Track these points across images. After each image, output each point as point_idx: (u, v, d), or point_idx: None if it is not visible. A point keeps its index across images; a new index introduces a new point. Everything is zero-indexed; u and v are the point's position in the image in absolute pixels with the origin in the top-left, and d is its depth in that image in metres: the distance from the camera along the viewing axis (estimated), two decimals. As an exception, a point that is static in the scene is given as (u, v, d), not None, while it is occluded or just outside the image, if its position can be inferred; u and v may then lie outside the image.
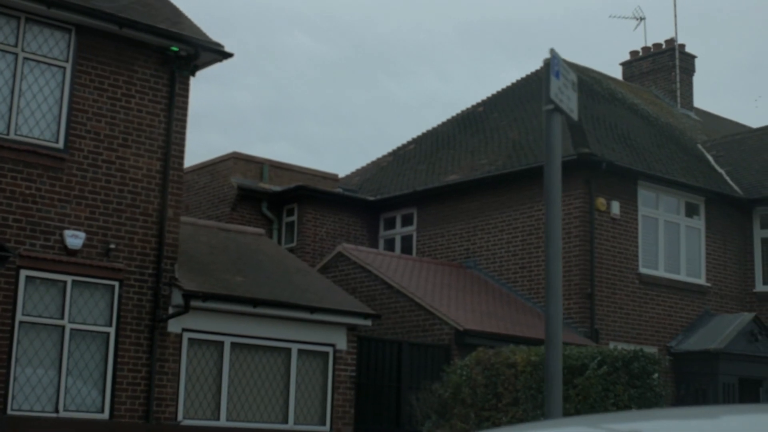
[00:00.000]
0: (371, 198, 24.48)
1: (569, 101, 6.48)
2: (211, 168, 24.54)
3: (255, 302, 16.05)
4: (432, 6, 66.55)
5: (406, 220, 24.18)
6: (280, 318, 16.52)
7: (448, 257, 22.84)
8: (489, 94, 26.97)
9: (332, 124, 69.14)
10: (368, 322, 17.34)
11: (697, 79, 44.48)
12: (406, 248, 23.89)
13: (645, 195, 21.73)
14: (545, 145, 6.35)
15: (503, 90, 26.53)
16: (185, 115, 16.15)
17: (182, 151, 16.10)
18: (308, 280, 17.98)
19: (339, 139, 64.64)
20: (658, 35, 29.30)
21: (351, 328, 17.35)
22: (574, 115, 6.58)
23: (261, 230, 20.40)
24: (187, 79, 16.27)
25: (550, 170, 6.32)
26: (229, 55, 16.40)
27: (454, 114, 27.09)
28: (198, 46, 15.94)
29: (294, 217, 23.83)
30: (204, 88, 62.41)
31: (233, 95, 63.48)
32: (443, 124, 26.73)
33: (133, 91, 15.66)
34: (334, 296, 17.54)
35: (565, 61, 24.71)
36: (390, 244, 24.37)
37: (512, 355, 14.88)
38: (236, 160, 24.07)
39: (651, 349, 21.06)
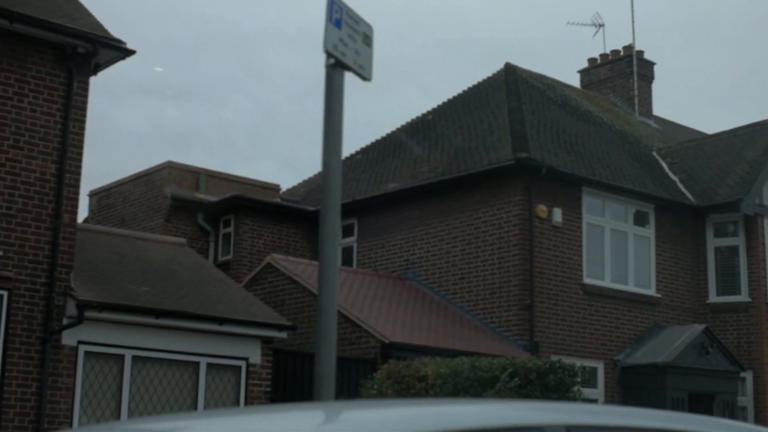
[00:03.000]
0: (311, 208, 23.55)
1: (358, 56, 5.58)
2: (146, 178, 23.65)
3: (157, 313, 15.12)
4: (413, 25, 65.87)
5: (347, 231, 23.26)
6: (186, 330, 15.58)
7: (388, 269, 21.91)
8: (440, 102, 26.09)
9: (316, 143, 68.01)
10: (283, 335, 16.41)
11: (667, 87, 43.76)
12: (347, 260, 22.97)
13: (590, 202, 20.83)
14: (324, 105, 5.46)
15: (454, 98, 25.67)
16: (84, 115, 15.27)
17: (80, 154, 15.19)
18: (223, 291, 17.05)
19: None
20: (619, 42, 28.62)
21: (266, 341, 16.41)
22: (366, 74, 5.68)
23: (182, 240, 19.50)
24: (87, 78, 15.39)
25: (330, 137, 5.42)
26: (131, 53, 15.53)
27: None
28: (96, 43, 15.06)
29: (231, 229, 22.92)
30: (190, 108, 61.59)
31: (218, 114, 62.73)
32: (392, 132, 25.87)
33: (26, 89, 14.77)
34: (248, 307, 16.61)
35: (526, 70, 22.85)
36: (331, 256, 23.41)
37: (423, 368, 13.95)
38: (171, 169, 23.18)
39: (597, 363, 20.19)
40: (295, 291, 19.27)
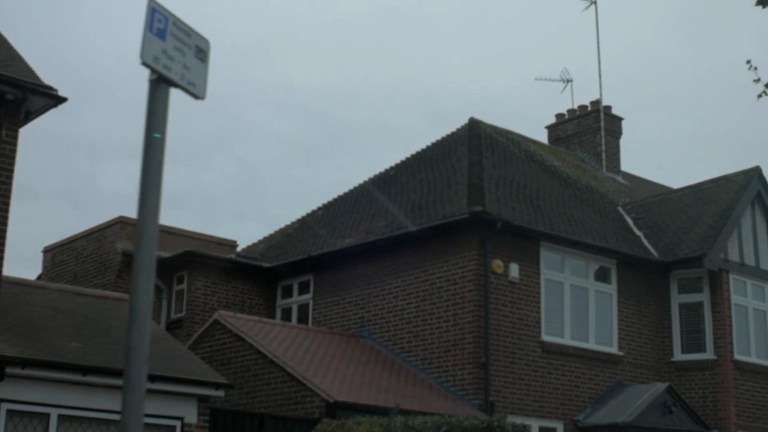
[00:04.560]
0: (267, 265, 22.99)
1: (188, 71, 5.08)
2: (99, 234, 23.12)
3: (84, 369, 14.47)
4: (398, 88, 65.88)
5: (303, 288, 22.69)
6: (117, 387, 14.86)
7: (343, 326, 21.30)
8: (404, 157, 25.66)
9: (300, 204, 68.03)
10: (220, 393, 15.73)
11: (637, 143, 43.41)
12: (303, 318, 22.37)
13: (549, 257, 20.28)
14: (145, 124, 4.95)
15: (417, 153, 25.26)
16: (12, 164, 14.75)
17: (7, 204, 14.64)
18: (160, 348, 16.39)
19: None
20: (589, 98, 28.30)
21: (203, 400, 15.72)
22: (199, 91, 5.17)
23: (124, 295, 18.86)
24: (16, 126, 14.91)
25: (150, 159, 4.89)
26: (62, 100, 15.05)
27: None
28: (26, 89, 14.59)
29: (184, 285, 22.32)
30: (175, 169, 61.26)
31: (203, 176, 62.30)
32: (353, 189, 25.40)
33: (-49, 138, 14.30)
34: (185, 365, 15.97)
35: (491, 125, 23.10)
36: (287, 314, 22.84)
37: (356, 427, 13.30)
38: (123, 224, 22.65)
39: (556, 423, 19.54)
40: (241, 349, 18.64)
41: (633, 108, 60.01)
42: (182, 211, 60.09)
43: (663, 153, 59.92)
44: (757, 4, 12.03)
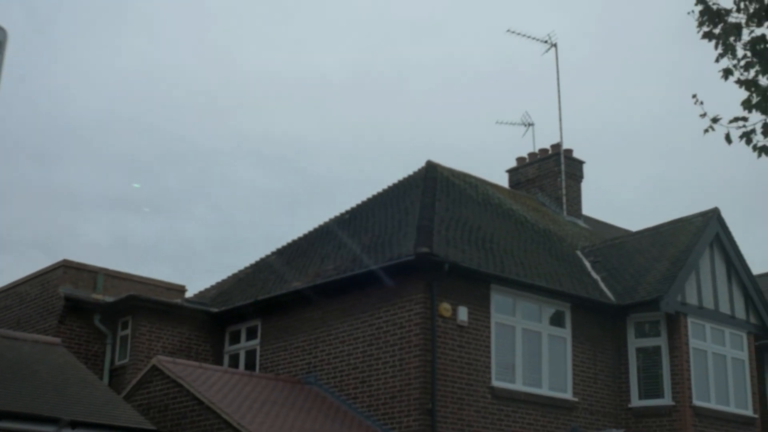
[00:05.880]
0: (214, 310, 22.38)
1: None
2: (42, 278, 22.51)
3: (-1, 415, 13.83)
4: (371, 138, 65.70)
5: (251, 334, 22.05)
6: (35, 435, 14.25)
7: (290, 372, 20.65)
8: (360, 201, 25.17)
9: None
10: (146, 440, 15.10)
11: (602, 187, 43.00)
12: (251, 364, 21.71)
13: (499, 300, 19.70)
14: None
15: (373, 196, 24.78)
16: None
17: None
18: (87, 393, 15.79)
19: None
20: (551, 142, 27.86)
21: (128, 447, 15.08)
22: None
23: (56, 339, 18.30)
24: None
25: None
26: (-17, 135, 14.55)
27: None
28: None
29: (128, 331, 21.67)
30: (154, 220, 60.58)
31: (182, 227, 61.63)
32: (307, 233, 24.88)
33: None
34: (110, 410, 15.33)
35: (448, 168, 22.97)
36: (235, 360, 22.18)
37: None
38: (66, 268, 22.06)
39: (507, 473, 18.86)
40: (179, 395, 17.96)
41: (597, 151, 59.91)
42: (159, 262, 59.38)
43: (626, 196, 59.72)
44: (758, 154, 11.66)
